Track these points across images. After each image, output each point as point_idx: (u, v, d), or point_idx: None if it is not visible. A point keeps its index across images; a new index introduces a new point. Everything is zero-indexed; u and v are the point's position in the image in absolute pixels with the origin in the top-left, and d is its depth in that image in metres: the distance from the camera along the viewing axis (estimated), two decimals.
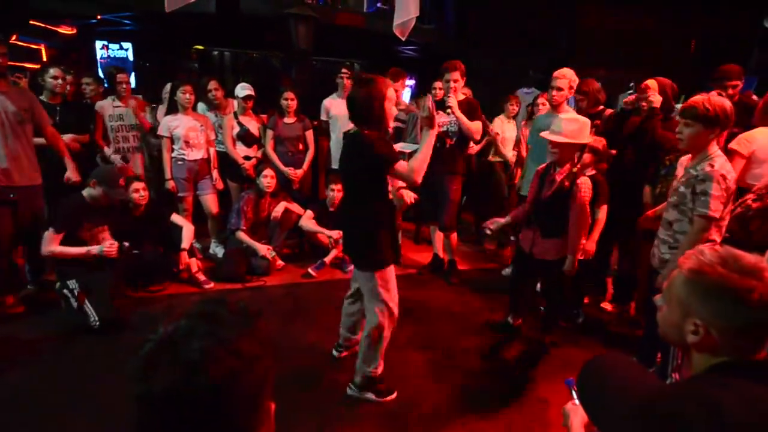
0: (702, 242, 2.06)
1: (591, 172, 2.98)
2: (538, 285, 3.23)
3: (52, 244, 2.91)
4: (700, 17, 6.65)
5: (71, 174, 3.24)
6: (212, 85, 4.23)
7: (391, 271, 2.23)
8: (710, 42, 6.62)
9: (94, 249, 2.99)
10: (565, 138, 2.53)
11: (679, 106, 3.25)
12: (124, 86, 4.03)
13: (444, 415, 2.29)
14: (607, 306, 3.44)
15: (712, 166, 2.04)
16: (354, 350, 2.60)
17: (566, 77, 3.32)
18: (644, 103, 3.01)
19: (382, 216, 2.16)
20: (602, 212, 2.95)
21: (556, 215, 2.60)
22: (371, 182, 2.13)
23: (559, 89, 3.32)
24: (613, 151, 3.22)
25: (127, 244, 3.09)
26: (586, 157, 2.92)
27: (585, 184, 2.55)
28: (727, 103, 2.04)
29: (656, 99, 2.96)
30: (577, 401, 1.18)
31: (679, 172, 2.29)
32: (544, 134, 2.64)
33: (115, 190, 3.03)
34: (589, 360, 0.92)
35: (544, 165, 2.80)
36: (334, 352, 2.70)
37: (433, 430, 2.19)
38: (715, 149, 2.10)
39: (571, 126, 2.55)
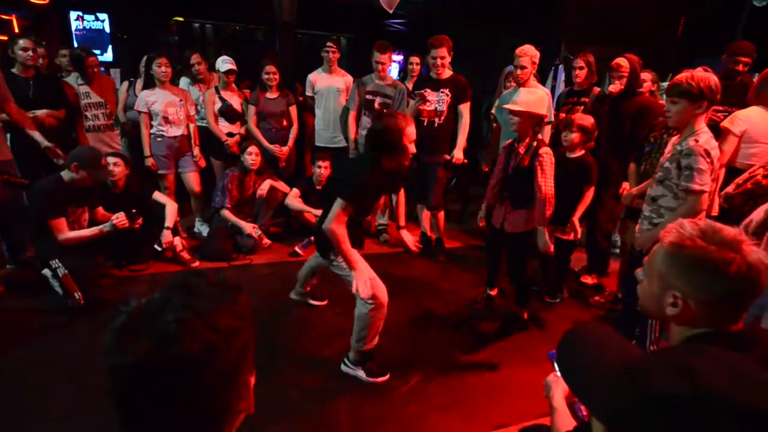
0: (696, 217, 2.10)
1: (580, 152, 2.99)
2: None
3: (63, 231, 2.84)
4: None
5: (43, 142, 3.14)
6: (195, 58, 4.10)
7: (363, 266, 2.26)
8: (699, 19, 6.61)
9: (106, 226, 2.95)
10: (522, 107, 2.57)
11: (665, 84, 3.28)
12: (94, 70, 3.83)
13: (431, 388, 2.34)
14: (587, 279, 3.51)
15: (696, 141, 2.08)
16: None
17: (527, 54, 3.32)
18: (617, 81, 3.11)
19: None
20: (589, 194, 2.98)
21: (524, 188, 2.67)
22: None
23: (523, 67, 3.33)
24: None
25: (134, 210, 3.03)
26: (575, 136, 2.93)
27: (548, 154, 2.60)
28: (713, 79, 2.05)
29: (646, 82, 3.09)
30: (559, 373, 1.21)
31: (668, 149, 2.31)
32: (506, 105, 2.69)
33: (100, 170, 2.94)
34: (568, 330, 0.94)
35: (509, 141, 2.85)
36: (343, 367, 2.47)
37: (422, 403, 2.23)
38: (701, 125, 2.12)
39: (530, 96, 2.59)
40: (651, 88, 3.39)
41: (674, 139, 2.35)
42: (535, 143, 2.63)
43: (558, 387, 1.24)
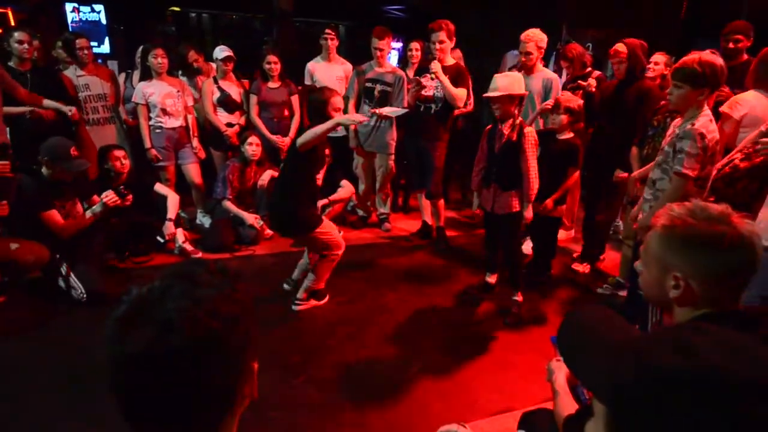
0: (678, 200, 2.09)
1: (569, 134, 3.02)
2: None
3: (57, 222, 2.82)
4: None
5: (62, 107, 3.29)
6: (192, 56, 4.06)
7: (325, 220, 2.78)
8: (702, 1, 6.52)
9: (96, 207, 2.95)
10: (499, 92, 2.63)
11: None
12: (86, 52, 3.78)
13: (433, 374, 2.35)
14: (578, 267, 3.51)
15: (693, 124, 2.06)
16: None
17: (532, 39, 3.29)
18: (616, 67, 3.10)
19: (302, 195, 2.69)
20: (573, 177, 3.02)
21: (510, 167, 2.73)
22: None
23: (528, 53, 3.31)
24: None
25: (122, 187, 3.03)
26: (563, 118, 2.98)
27: (530, 133, 2.69)
28: (718, 62, 2.02)
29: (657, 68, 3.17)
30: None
31: (669, 132, 2.29)
32: (485, 94, 2.73)
33: (72, 162, 2.84)
34: (568, 313, 0.94)
35: (489, 126, 2.88)
36: (285, 285, 3.06)
37: (424, 390, 2.25)
38: (703, 109, 2.09)
39: (504, 81, 2.67)
40: (664, 72, 3.28)
41: (676, 122, 2.33)
42: (518, 121, 2.70)
43: (560, 371, 1.24)
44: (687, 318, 0.93)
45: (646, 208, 2.33)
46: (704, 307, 0.91)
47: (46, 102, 3.29)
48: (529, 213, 2.77)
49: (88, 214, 2.95)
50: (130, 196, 3.04)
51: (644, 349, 0.67)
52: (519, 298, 2.93)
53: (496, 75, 2.76)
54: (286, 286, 3.02)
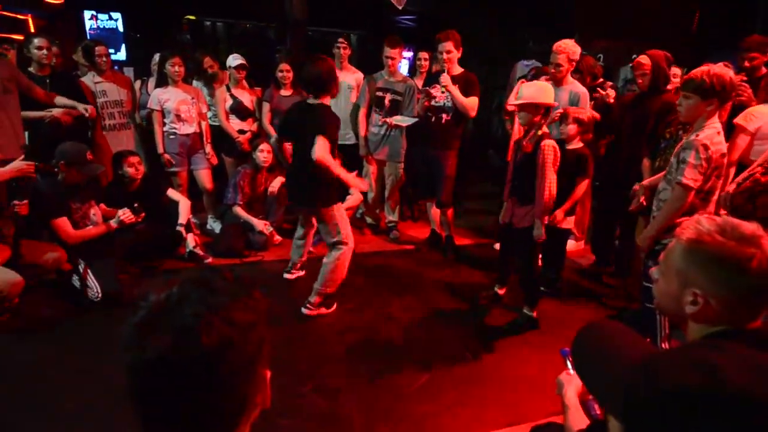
0: (679, 211, 2.07)
1: (578, 144, 3.00)
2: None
3: (66, 231, 2.88)
4: None
5: (82, 108, 3.38)
6: (207, 62, 4.13)
7: (340, 207, 2.80)
8: (714, 12, 6.48)
9: (113, 223, 3.02)
10: (522, 100, 2.61)
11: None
12: (104, 59, 3.87)
13: (441, 385, 2.34)
14: (610, 280, 3.45)
15: (697, 135, 2.03)
16: (299, 273, 3.31)
17: (564, 51, 3.17)
18: (640, 80, 3.05)
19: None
20: (581, 186, 2.98)
21: (526, 180, 2.67)
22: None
23: (558, 66, 3.20)
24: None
25: (136, 204, 3.10)
26: (572, 128, 2.95)
27: (548, 146, 2.59)
28: (728, 75, 2.00)
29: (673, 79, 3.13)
30: (571, 371, 1.20)
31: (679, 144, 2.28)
32: (510, 102, 2.72)
33: (87, 166, 2.94)
34: (583, 327, 0.93)
35: (519, 136, 2.83)
36: (285, 274, 3.22)
37: (433, 401, 2.23)
38: (712, 121, 2.07)
39: (530, 90, 2.64)
40: (679, 85, 3.29)
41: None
42: (540, 133, 2.63)
43: (571, 385, 1.23)
44: (702, 334, 0.91)
45: (651, 220, 2.31)
46: (721, 324, 0.88)
47: (60, 100, 3.34)
48: (538, 231, 2.66)
49: (101, 227, 3.01)
50: (143, 213, 3.13)
51: (663, 366, 0.66)
52: (531, 313, 2.88)
53: (523, 83, 2.73)
54: (286, 274, 3.20)
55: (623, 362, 0.74)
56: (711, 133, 2.04)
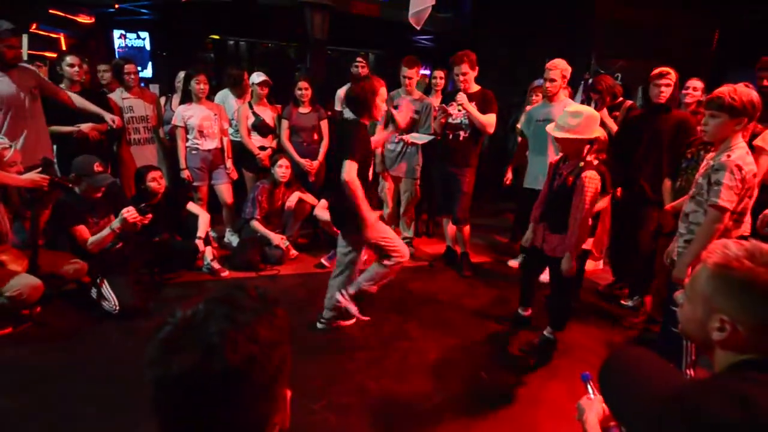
0: (715, 234, 2.03)
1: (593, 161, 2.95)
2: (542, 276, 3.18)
3: (85, 238, 2.94)
4: (724, 6, 6.45)
5: (109, 118, 3.49)
6: (245, 77, 4.34)
7: (376, 225, 2.65)
8: (734, 32, 6.43)
9: (116, 222, 2.92)
10: (566, 134, 2.47)
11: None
12: (132, 77, 4.00)
13: (456, 406, 2.29)
14: (628, 302, 3.39)
15: (729, 156, 2.02)
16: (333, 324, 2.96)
17: (558, 68, 3.35)
18: (662, 90, 2.95)
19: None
20: (603, 202, 2.91)
21: (561, 210, 2.55)
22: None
23: (552, 80, 3.35)
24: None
25: (143, 204, 3.07)
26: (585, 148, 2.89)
27: (591, 179, 2.43)
28: (754, 94, 1.99)
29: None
30: (592, 395, 1.17)
31: (703, 164, 2.25)
32: (549, 129, 2.61)
33: (95, 177, 2.95)
34: (610, 354, 0.91)
35: (557, 158, 2.76)
36: (318, 324, 2.91)
37: (447, 422, 2.19)
38: (738, 141, 2.06)
39: (575, 120, 2.46)
40: (700, 98, 3.15)
41: (711, 155, 2.28)
42: (581, 164, 2.50)
43: (592, 410, 1.20)
44: (729, 362, 0.88)
45: (681, 243, 2.26)
46: (750, 352, 0.86)
47: (78, 99, 3.43)
48: (567, 264, 2.51)
49: (106, 231, 2.97)
50: (150, 215, 3.05)
51: (695, 399, 0.65)
52: (552, 336, 2.77)
53: (568, 108, 2.57)
54: (319, 325, 2.89)
55: (653, 391, 0.72)
56: (741, 153, 2.02)
